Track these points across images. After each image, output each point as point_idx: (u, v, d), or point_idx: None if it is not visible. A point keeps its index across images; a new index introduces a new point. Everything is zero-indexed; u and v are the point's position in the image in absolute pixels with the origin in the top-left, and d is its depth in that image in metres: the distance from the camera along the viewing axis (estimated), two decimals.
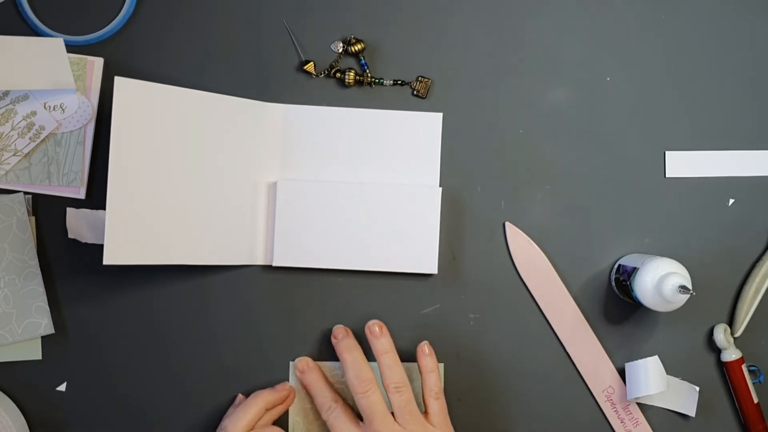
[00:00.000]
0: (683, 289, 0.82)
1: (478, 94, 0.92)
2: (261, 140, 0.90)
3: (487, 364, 0.91)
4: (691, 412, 0.91)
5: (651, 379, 0.88)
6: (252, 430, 0.87)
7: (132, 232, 0.83)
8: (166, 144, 0.85)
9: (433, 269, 0.89)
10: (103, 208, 0.88)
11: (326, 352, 0.91)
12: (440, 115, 0.91)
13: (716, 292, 0.92)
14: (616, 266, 0.90)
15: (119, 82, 0.82)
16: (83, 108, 0.89)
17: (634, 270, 0.86)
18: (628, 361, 0.91)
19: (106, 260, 0.81)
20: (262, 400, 0.88)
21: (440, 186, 0.90)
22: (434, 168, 0.91)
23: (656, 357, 0.89)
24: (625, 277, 0.87)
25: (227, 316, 0.91)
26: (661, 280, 0.83)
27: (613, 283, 0.90)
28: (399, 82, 0.91)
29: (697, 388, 0.91)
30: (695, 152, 0.92)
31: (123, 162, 0.82)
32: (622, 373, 0.92)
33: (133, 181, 0.83)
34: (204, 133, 0.87)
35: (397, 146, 0.91)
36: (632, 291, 0.86)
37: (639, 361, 0.89)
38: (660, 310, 0.85)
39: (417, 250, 0.89)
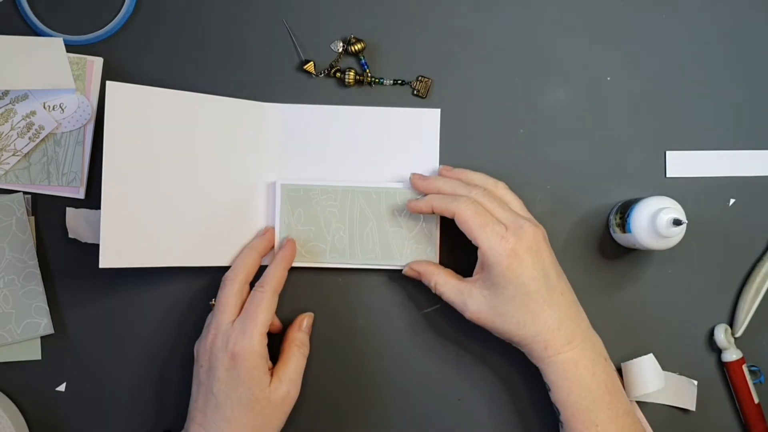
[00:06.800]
0: (677, 221, 0.82)
1: (478, 93, 0.92)
2: (258, 141, 0.90)
3: (487, 365, 0.91)
4: (691, 406, 0.91)
5: (648, 377, 0.88)
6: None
7: (128, 236, 0.83)
8: (161, 147, 0.85)
9: (435, 261, 0.89)
10: None
11: (326, 351, 0.90)
12: (438, 110, 0.91)
13: (717, 292, 0.92)
14: (614, 208, 0.91)
15: (111, 86, 0.82)
16: (83, 108, 0.89)
17: (631, 207, 0.86)
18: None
19: (102, 263, 0.81)
20: (252, 249, 0.87)
21: None
22: (433, 164, 0.91)
23: (651, 355, 0.89)
24: (620, 215, 0.88)
25: None
26: (656, 214, 0.83)
27: (611, 226, 0.90)
28: (399, 81, 0.91)
29: (695, 382, 0.91)
30: (695, 152, 0.92)
31: (117, 166, 0.82)
32: (622, 373, 0.92)
33: (128, 184, 0.83)
34: (200, 135, 0.87)
35: (396, 143, 0.91)
36: (628, 227, 0.86)
37: (634, 360, 0.89)
38: (655, 248, 0.85)
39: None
